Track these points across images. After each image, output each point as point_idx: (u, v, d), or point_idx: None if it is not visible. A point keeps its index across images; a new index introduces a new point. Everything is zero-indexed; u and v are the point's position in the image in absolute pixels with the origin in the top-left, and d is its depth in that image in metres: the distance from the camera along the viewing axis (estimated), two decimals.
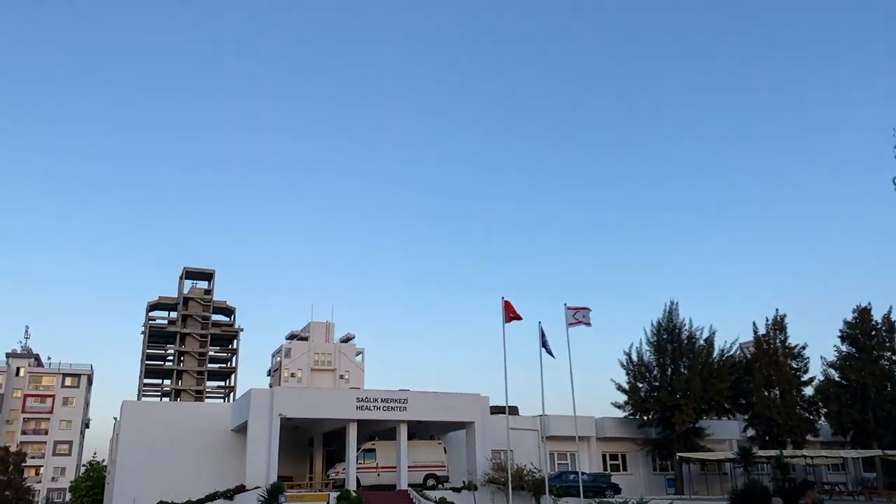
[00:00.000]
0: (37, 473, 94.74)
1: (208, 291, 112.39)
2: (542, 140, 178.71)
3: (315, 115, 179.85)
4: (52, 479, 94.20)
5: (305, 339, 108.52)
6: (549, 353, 32.82)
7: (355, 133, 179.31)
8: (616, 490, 38.75)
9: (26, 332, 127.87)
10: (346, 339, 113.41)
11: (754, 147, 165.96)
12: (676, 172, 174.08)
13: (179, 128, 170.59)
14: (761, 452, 36.75)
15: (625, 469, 46.99)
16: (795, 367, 46.63)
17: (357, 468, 34.87)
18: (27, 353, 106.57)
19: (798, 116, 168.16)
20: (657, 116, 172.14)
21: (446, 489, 34.59)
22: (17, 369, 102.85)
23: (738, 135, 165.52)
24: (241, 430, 36.09)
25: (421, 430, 38.59)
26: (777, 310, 48.71)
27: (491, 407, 40.50)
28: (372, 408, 35.14)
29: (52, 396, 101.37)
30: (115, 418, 39.43)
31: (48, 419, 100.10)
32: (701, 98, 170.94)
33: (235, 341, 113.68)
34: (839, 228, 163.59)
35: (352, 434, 34.83)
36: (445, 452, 38.16)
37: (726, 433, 48.93)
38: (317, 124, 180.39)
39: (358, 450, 35.44)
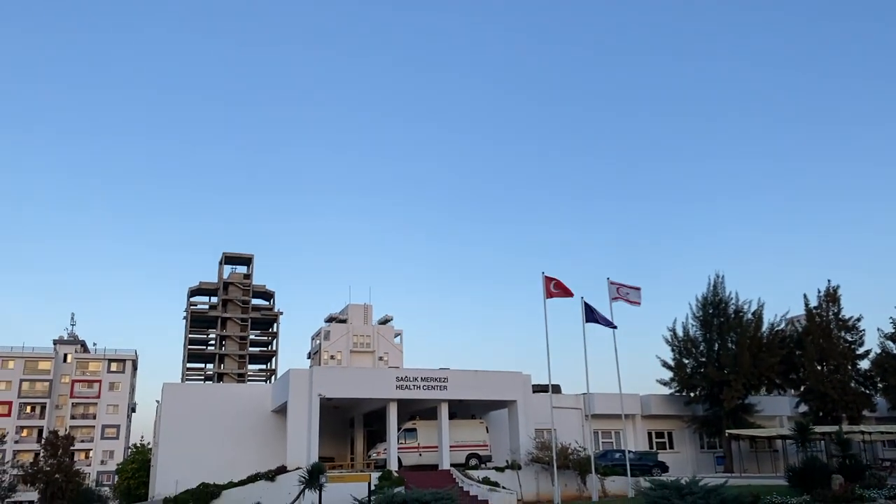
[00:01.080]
0: (86, 457, 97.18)
1: (247, 276, 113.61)
2: (585, 112, 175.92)
3: (351, 96, 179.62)
4: (102, 462, 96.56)
5: (344, 321, 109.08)
6: (609, 324, 31.91)
7: (393, 112, 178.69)
8: (663, 468, 37.78)
9: (72, 319, 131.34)
10: (385, 321, 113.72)
11: (808, 102, 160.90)
12: (724, 137, 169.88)
13: (219, 113, 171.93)
14: (818, 428, 35.37)
15: (671, 447, 45.99)
16: (850, 340, 45.09)
17: (398, 448, 34.52)
18: (73, 340, 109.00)
19: (862, 69, 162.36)
20: (704, 84, 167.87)
21: (489, 469, 34.11)
22: (65, 356, 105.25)
23: (791, 88, 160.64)
24: (282, 411, 35.98)
25: (462, 410, 38.10)
26: (829, 281, 47.13)
27: (533, 386, 39.85)
28: (412, 387, 34.73)
29: (99, 382, 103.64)
30: (158, 401, 39.65)
31: (95, 404, 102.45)
32: (739, 53, 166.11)
33: (275, 325, 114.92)
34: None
35: (392, 414, 34.50)
36: (487, 432, 37.63)
37: (777, 409, 47.57)
38: (354, 104, 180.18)
39: (399, 430, 35.10)
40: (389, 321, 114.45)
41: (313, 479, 21.92)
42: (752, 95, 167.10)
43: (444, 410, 35.24)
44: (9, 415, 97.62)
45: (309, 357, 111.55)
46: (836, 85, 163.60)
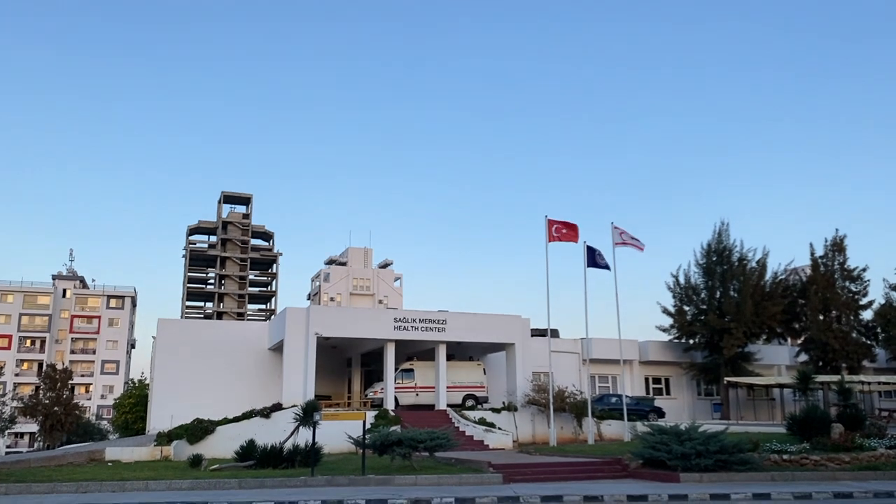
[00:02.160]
0: (86, 391, 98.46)
1: (246, 216, 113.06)
2: (586, 59, 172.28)
3: (355, 39, 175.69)
4: (102, 396, 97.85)
5: (344, 264, 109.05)
6: (606, 267, 31.43)
7: (394, 56, 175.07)
8: (660, 414, 37.82)
9: (71, 254, 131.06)
10: (385, 265, 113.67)
11: (814, 49, 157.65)
12: (730, 82, 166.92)
13: (218, 52, 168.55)
14: (818, 378, 35.24)
15: (668, 393, 46.08)
16: (854, 290, 44.70)
17: (395, 388, 34.60)
18: (73, 276, 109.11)
19: (871, 13, 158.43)
20: (708, 30, 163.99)
21: (485, 410, 34.17)
22: (64, 291, 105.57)
23: (797, 37, 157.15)
24: (278, 349, 35.85)
25: (460, 352, 38.05)
26: (837, 230, 46.46)
27: (531, 330, 39.68)
28: (410, 328, 34.55)
29: (98, 317, 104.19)
30: (154, 337, 39.51)
31: (95, 339, 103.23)
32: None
33: (275, 265, 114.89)
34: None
35: (389, 354, 34.42)
36: (485, 374, 37.65)
37: (776, 358, 47.52)
38: (355, 49, 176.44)
39: (396, 370, 35.11)
40: (389, 265, 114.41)
41: (308, 416, 21.61)
42: (766, 51, 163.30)
43: (441, 352, 35.15)
44: (9, 348, 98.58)
45: (308, 298, 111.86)
46: (850, 38, 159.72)
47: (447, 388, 34.94)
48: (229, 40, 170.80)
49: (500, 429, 31.30)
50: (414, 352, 37.45)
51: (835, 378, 33.86)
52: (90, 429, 65.70)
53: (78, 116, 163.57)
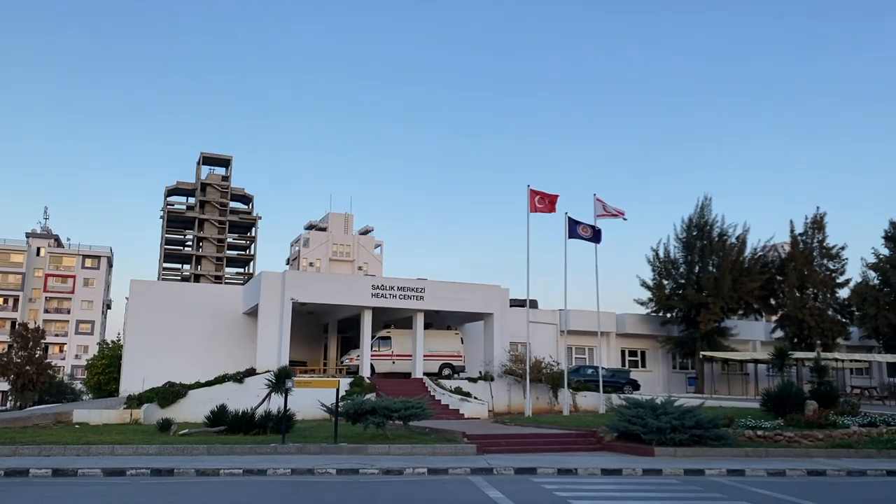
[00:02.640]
0: (61, 351, 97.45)
1: (226, 178, 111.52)
2: (571, 34, 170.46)
3: (341, 5, 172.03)
4: (76, 356, 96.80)
5: (324, 229, 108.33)
6: (589, 239, 31.23)
7: (378, 24, 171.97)
8: (635, 386, 38.03)
9: (45, 212, 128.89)
10: (365, 232, 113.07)
11: (795, 32, 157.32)
12: (712, 61, 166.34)
13: (198, 6, 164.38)
14: (796, 354, 35.53)
15: (644, 366, 46.37)
16: (832, 268, 45.05)
17: (371, 355, 34.34)
18: (47, 234, 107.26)
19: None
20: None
21: (462, 379, 34.08)
22: (38, 249, 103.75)
23: (779, 19, 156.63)
24: (253, 313, 35.38)
25: (438, 321, 37.81)
26: (818, 208, 46.76)
27: (510, 300, 39.56)
28: (388, 296, 34.20)
29: (73, 277, 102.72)
30: (127, 298, 38.82)
31: (70, 299, 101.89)
32: None
33: (254, 229, 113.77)
34: (888, 119, 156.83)
35: (366, 321, 34.12)
36: (462, 343, 37.49)
37: (751, 334, 47.94)
38: (342, 15, 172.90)
39: (373, 337, 34.83)
40: (370, 232, 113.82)
41: (280, 382, 21.26)
42: (749, 29, 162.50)
43: (419, 320, 34.89)
44: None
45: (287, 263, 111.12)
46: (834, 18, 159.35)
47: (424, 356, 34.76)
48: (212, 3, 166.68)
49: (475, 398, 31.21)
50: (391, 319, 37.18)
51: (810, 355, 34.14)
52: (63, 389, 64.94)
53: (55, 73, 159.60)
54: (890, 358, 41.97)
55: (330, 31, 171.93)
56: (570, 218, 31.32)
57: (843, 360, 41.73)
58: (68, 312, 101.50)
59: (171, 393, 28.15)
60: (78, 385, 69.34)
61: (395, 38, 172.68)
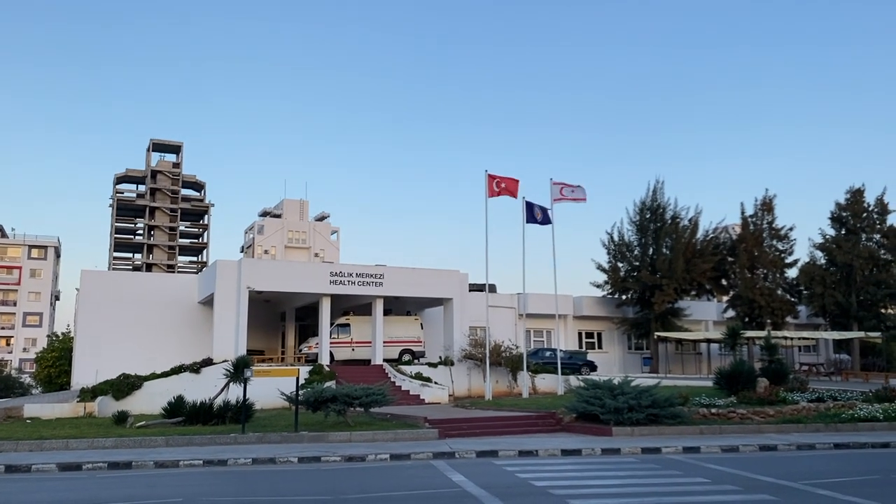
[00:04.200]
0: (7, 344, 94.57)
1: (177, 165, 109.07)
2: (527, 24, 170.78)
3: None
4: (24, 349, 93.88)
5: (279, 216, 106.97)
6: (542, 222, 31.52)
7: (335, 10, 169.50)
8: (592, 367, 38.66)
9: None
10: (321, 218, 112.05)
11: (745, 23, 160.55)
12: (668, 49, 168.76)
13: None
14: (747, 333, 36.48)
15: (600, 347, 47.05)
16: (781, 248, 46.17)
17: (330, 343, 34.15)
18: None
19: None
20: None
21: (422, 364, 34.17)
22: None
23: (729, 7, 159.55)
24: (209, 302, 34.83)
25: (398, 307, 37.78)
26: (767, 190, 47.94)
27: (469, 285, 39.73)
28: (346, 282, 33.99)
29: (20, 268, 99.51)
30: (77, 289, 37.79)
31: (16, 290, 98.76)
32: None
33: (206, 216, 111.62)
34: (837, 106, 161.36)
35: (325, 309, 33.89)
36: (422, 328, 37.56)
37: (704, 314, 48.99)
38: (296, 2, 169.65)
39: (332, 325, 34.63)
40: (326, 218, 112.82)
41: (239, 372, 21.04)
42: (698, 19, 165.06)
43: (378, 307, 34.79)
44: None
45: (242, 251, 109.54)
46: (782, 6, 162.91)
47: (384, 342, 34.72)
48: None
49: (436, 383, 31.37)
50: (350, 306, 37.00)
51: (760, 334, 35.04)
52: (11, 383, 62.83)
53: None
54: (836, 335, 43.42)
55: (283, 14, 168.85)
56: (527, 202, 31.60)
57: (791, 339, 42.99)
58: (15, 304, 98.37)
59: (126, 385, 27.61)
60: (27, 379, 67.33)
61: (350, 23, 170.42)
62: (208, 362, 29.79)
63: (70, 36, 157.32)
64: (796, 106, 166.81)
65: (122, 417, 22.08)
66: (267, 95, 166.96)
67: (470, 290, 39.08)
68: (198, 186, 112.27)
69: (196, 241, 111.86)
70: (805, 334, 44.56)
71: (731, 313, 46.78)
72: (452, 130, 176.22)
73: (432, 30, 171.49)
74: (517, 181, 31.43)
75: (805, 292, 46.14)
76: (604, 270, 46.25)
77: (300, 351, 36.55)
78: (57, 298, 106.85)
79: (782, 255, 46.08)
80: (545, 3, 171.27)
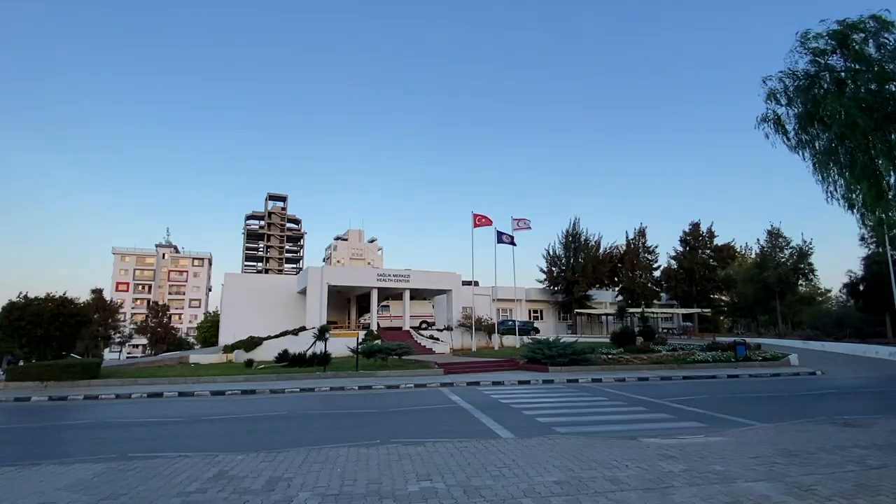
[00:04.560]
0: (179, 319, 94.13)
1: (283, 208, 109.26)
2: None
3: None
4: (189, 322, 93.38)
5: (346, 240, 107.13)
6: (508, 243, 31.57)
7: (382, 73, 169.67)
8: (536, 331, 38.35)
9: (167, 231, 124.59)
10: (372, 241, 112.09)
11: (639, 80, 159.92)
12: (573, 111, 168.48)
13: (264, 83, 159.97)
14: (630, 310, 36.39)
15: (542, 319, 46.62)
16: (650, 258, 45.96)
17: (378, 316, 34.02)
18: (168, 245, 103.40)
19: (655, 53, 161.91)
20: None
21: (433, 330, 33.98)
22: (163, 254, 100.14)
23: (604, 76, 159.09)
24: (303, 292, 34.78)
25: (418, 294, 37.63)
26: (641, 223, 48.04)
27: (462, 281, 39.66)
28: (387, 280, 33.95)
29: (186, 271, 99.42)
30: (223, 284, 37.80)
31: (184, 286, 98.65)
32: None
33: (302, 240, 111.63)
34: (692, 162, 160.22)
35: (374, 296, 33.80)
36: (433, 308, 37.39)
37: (604, 298, 48.56)
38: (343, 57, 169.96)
39: (378, 305, 34.52)
40: (375, 241, 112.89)
41: (321, 334, 21.09)
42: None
43: (406, 294, 34.67)
44: (128, 290, 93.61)
45: (324, 261, 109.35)
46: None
47: (410, 316, 34.55)
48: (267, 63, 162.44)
49: (442, 341, 31.20)
50: (389, 294, 36.88)
51: (638, 310, 34.95)
52: (182, 342, 62.98)
53: (170, 125, 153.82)
54: (683, 311, 43.29)
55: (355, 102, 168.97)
56: (497, 231, 31.67)
57: (657, 313, 42.83)
58: (184, 294, 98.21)
59: (252, 343, 27.52)
60: (191, 339, 67.29)
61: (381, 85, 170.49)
62: (302, 329, 29.70)
63: (222, 113, 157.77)
64: (656, 165, 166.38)
65: (249, 363, 22.07)
66: (340, 159, 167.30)
67: (462, 284, 38.94)
68: (296, 221, 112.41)
69: (295, 254, 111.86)
70: (665, 311, 44.37)
71: (620, 298, 46.64)
72: (455, 175, 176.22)
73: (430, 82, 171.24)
74: (489, 218, 31.52)
75: (665, 285, 46.04)
76: (544, 272, 46.08)
77: (359, 322, 36.49)
78: (209, 290, 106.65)
79: (651, 262, 45.93)
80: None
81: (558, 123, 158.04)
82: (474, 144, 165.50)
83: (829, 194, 7.22)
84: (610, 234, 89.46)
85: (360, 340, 23.58)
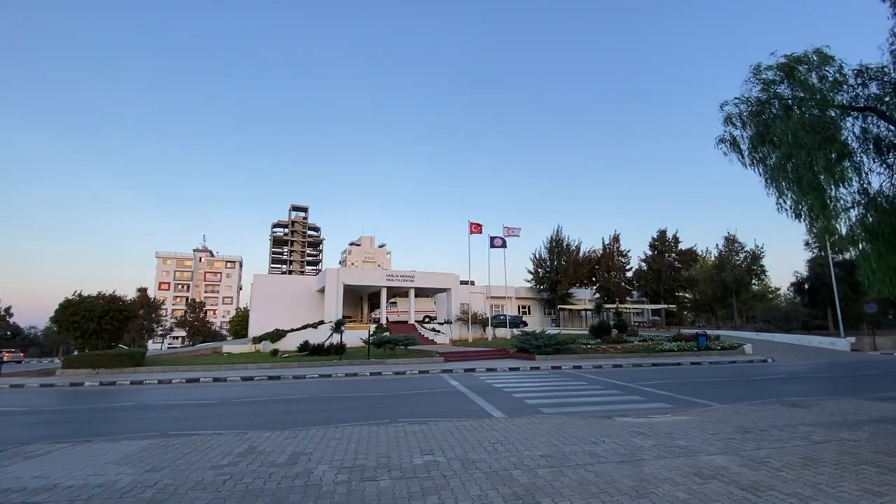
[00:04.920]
0: (214, 314, 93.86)
1: (305, 218, 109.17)
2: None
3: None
4: (223, 316, 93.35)
5: (359, 245, 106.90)
6: (500, 246, 31.52)
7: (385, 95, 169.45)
8: (525, 324, 38.31)
9: (203, 238, 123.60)
10: (381, 246, 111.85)
11: (644, 109, 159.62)
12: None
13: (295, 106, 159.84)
14: (606, 306, 36.30)
15: (530, 314, 46.47)
16: (623, 261, 45.96)
17: (387, 312, 33.89)
18: (204, 249, 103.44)
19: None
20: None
21: (435, 323, 33.79)
22: (200, 258, 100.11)
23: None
24: (322, 291, 34.66)
25: (422, 292, 37.53)
26: (615, 230, 47.95)
27: (460, 280, 39.53)
28: (395, 279, 33.85)
29: (220, 273, 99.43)
30: (252, 284, 37.68)
31: (218, 285, 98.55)
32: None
33: (321, 245, 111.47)
34: (661, 176, 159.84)
35: (384, 294, 33.63)
36: (435, 304, 37.31)
37: (584, 296, 48.43)
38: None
39: (387, 302, 34.39)
40: (384, 245, 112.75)
41: (338, 326, 21.03)
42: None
43: (412, 293, 34.57)
44: (169, 289, 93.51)
45: (340, 263, 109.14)
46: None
47: (415, 312, 34.46)
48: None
49: (442, 333, 31.06)
50: (397, 292, 36.79)
51: (613, 306, 34.90)
52: (216, 334, 62.84)
53: (208, 141, 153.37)
54: (652, 307, 43.24)
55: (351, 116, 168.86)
56: (490, 236, 31.63)
57: (630, 308, 42.74)
58: (218, 293, 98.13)
59: (277, 334, 27.39)
60: (224, 332, 67.10)
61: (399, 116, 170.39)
62: (321, 322, 29.55)
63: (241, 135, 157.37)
64: (631, 182, 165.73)
65: (275, 352, 21.98)
66: (356, 173, 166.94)
67: (461, 284, 38.85)
68: (316, 229, 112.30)
69: (315, 258, 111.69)
70: (636, 307, 44.28)
71: (597, 295, 46.53)
72: (454, 193, 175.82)
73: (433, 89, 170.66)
74: (482, 226, 31.49)
75: (637, 284, 45.98)
76: (532, 273, 46.00)
77: (370, 316, 36.35)
78: (240, 289, 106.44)
79: (624, 265, 45.92)
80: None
81: (538, 145, 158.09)
82: (474, 154, 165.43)
83: (779, 205, 7.23)
84: (588, 240, 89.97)
85: (371, 332, 23.50)
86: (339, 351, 20.05)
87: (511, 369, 16.53)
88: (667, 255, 45.39)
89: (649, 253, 46.54)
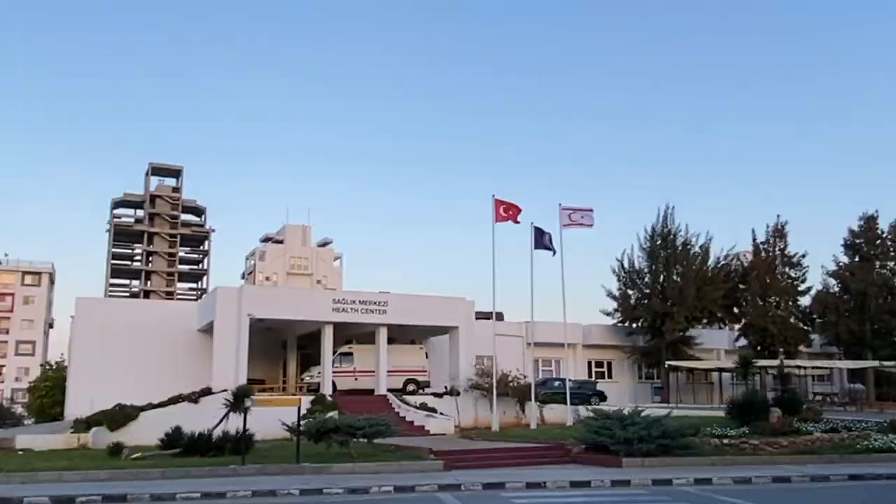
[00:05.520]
0: None
1: (176, 189, 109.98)
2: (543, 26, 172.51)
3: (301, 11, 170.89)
4: (16, 378, 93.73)
5: (281, 242, 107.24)
6: (550, 248, 31.45)
7: (337, 24, 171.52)
8: (602, 398, 38.46)
9: None
10: (324, 244, 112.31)
11: (763, 43, 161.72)
12: (676, 67, 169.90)
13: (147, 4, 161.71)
14: (761, 363, 36.46)
15: (610, 377, 46.90)
16: (793, 276, 46.31)
17: (333, 372, 34.05)
18: None
19: (817, 11, 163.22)
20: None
21: (427, 394, 34.05)
22: None
23: (746, 27, 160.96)
24: (208, 330, 34.88)
25: (402, 335, 37.71)
26: (779, 216, 47.86)
27: (475, 312, 39.64)
28: (349, 310, 34.04)
29: (12, 295, 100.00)
30: (72, 316, 37.89)
31: (9, 318, 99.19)
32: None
33: (207, 242, 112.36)
34: (852, 132, 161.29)
35: (327, 337, 33.83)
36: (427, 357, 37.51)
37: (715, 342, 48.88)
38: (298, 23, 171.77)
39: (334, 353, 34.57)
40: (329, 244, 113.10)
41: (239, 402, 21.05)
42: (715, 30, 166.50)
43: (382, 335, 34.73)
44: None
45: (243, 278, 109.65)
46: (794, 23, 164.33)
47: (388, 372, 34.58)
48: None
49: (441, 414, 31.19)
50: (353, 334, 36.94)
51: (773, 363, 35.02)
52: (3, 413, 62.81)
53: None
54: (850, 364, 43.33)
55: (284, 33, 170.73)
56: (536, 227, 31.50)
57: (805, 368, 42.87)
58: (7, 332, 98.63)
59: (121, 415, 27.46)
60: (19, 409, 67.23)
61: (354, 42, 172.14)
62: (207, 392, 29.73)
63: (68, 50, 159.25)
64: (808, 129, 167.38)
65: (117, 449, 21.95)
66: (270, 118, 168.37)
67: (476, 318, 38.96)
68: (198, 211, 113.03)
69: (196, 267, 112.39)
70: (818, 363, 44.40)
71: (742, 342, 46.69)
72: (458, 153, 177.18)
73: (438, 49, 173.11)
74: (520, 208, 31.41)
75: (818, 320, 46.21)
76: (614, 298, 46.34)
77: (302, 380, 36.50)
78: (51, 326, 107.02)
79: (795, 282, 46.19)
80: (555, 31, 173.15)
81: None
82: (494, 98, 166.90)
83: None
84: (723, 236, 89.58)
85: (305, 411, 23.46)
86: (241, 448, 20.07)
87: (575, 485, 16.52)
88: (879, 262, 45.56)
89: (844, 260, 46.73)
